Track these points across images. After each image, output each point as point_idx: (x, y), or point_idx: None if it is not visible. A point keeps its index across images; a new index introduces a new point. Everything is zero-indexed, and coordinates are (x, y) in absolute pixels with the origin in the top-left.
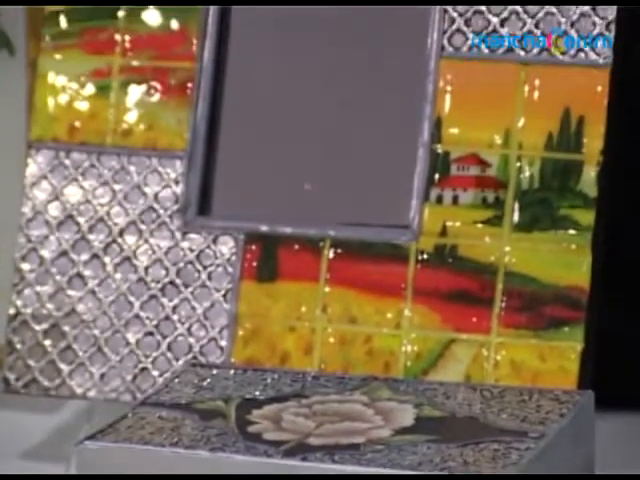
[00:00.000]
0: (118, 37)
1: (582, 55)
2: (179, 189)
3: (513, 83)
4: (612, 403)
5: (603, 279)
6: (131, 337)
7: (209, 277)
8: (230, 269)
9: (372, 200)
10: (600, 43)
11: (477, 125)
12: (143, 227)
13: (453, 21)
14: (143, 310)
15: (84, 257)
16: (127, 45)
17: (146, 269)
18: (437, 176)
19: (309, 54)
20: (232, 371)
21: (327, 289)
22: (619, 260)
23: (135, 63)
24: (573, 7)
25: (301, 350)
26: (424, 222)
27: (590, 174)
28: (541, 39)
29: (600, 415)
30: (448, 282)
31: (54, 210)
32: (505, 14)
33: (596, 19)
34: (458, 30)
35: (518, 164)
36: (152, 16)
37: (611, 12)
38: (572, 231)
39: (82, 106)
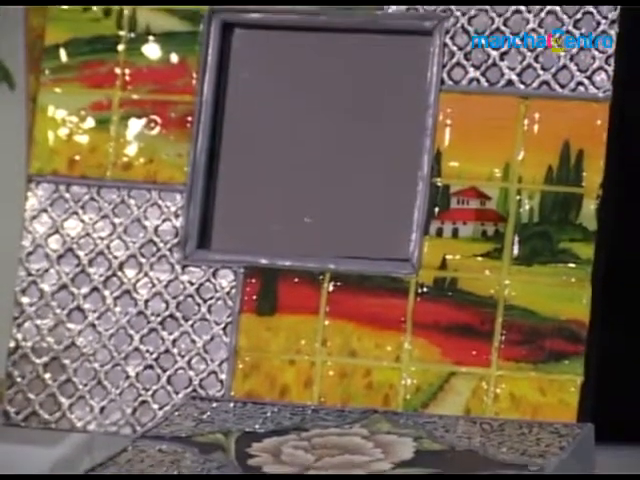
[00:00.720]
0: (118, 70)
1: (582, 89)
2: (179, 222)
3: (513, 116)
4: (612, 436)
5: (603, 312)
6: (131, 370)
7: (209, 310)
8: (230, 302)
9: (372, 233)
10: (600, 77)
11: (477, 158)
12: (143, 260)
13: (453, 55)
14: (143, 343)
15: (84, 290)
16: (127, 78)
17: (146, 302)
18: (437, 209)
19: (309, 87)
20: (232, 404)
21: (327, 322)
22: (619, 293)
23: (135, 96)
24: (572, 41)
25: (301, 383)
26: (424, 255)
27: (590, 207)
28: (541, 72)
29: (600, 448)
30: (448, 315)
31: (54, 243)
32: (505, 48)
33: (595, 53)
34: (458, 64)
35: (518, 197)
36: (152, 49)
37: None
38: (572, 264)
39: (82, 139)
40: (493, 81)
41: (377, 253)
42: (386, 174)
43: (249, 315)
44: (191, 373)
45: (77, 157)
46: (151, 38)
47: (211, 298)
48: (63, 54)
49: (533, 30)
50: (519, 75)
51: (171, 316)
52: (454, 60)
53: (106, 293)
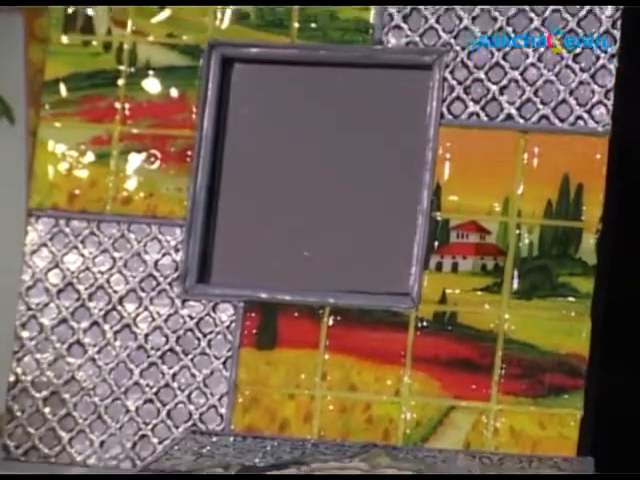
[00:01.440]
0: (118, 105)
1: (581, 123)
2: (179, 257)
3: (512, 151)
4: (612, 470)
5: (603, 346)
6: (131, 404)
7: (209, 344)
8: (230, 336)
9: (371, 267)
10: (599, 111)
11: (476, 192)
12: (143, 294)
13: (452, 89)
14: (143, 377)
15: (84, 324)
16: (127, 113)
17: (146, 336)
18: (437, 243)
19: (308, 122)
20: (232, 438)
21: (326, 356)
22: (618, 327)
23: (135, 131)
24: (572, 75)
25: (300, 417)
26: (424, 289)
27: (589, 242)
28: (540, 106)
29: None
30: (447, 349)
31: (54, 278)
32: (504, 82)
33: (595, 87)
34: (457, 98)
35: (517, 231)
36: (152, 84)
37: (610, 80)
38: (571, 298)
39: (82, 174)
40: (493, 115)
41: (377, 287)
42: (386, 208)
43: (249, 349)
44: (191, 407)
45: (77, 191)
46: (151, 72)
47: (211, 332)
48: (63, 88)
49: (532, 65)
50: (519, 109)
51: (171, 350)
52: (454, 94)
53: (106, 327)
